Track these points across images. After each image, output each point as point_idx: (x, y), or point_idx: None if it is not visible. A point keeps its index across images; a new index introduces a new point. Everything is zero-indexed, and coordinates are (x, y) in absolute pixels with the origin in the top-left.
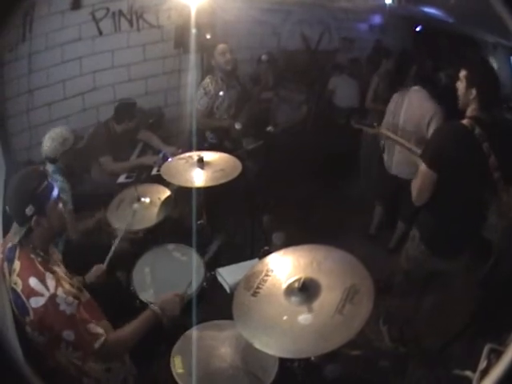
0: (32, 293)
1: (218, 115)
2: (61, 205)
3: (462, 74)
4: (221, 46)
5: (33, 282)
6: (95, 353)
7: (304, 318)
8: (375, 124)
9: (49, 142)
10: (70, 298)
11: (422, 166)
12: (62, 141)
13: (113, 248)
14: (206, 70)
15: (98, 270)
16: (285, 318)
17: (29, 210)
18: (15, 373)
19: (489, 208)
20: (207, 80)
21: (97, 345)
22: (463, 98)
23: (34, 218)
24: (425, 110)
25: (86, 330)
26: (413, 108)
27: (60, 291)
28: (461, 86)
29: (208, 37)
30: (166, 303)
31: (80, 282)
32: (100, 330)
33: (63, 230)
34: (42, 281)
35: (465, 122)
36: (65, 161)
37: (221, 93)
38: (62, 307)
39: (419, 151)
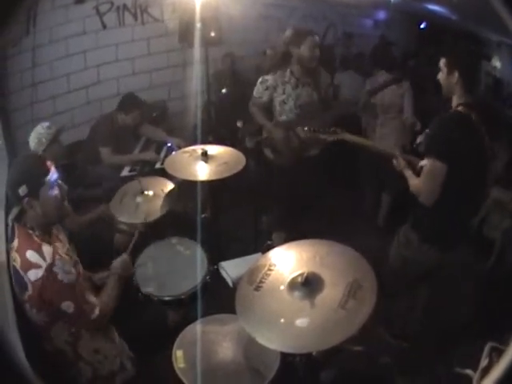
0: (30, 266)
1: (279, 112)
2: (57, 192)
3: (442, 62)
4: (312, 39)
5: (30, 254)
6: (91, 323)
7: (301, 321)
8: (334, 129)
9: (31, 143)
10: (68, 267)
11: (431, 162)
12: (37, 141)
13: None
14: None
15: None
16: (282, 320)
17: (22, 191)
18: (15, 373)
19: (486, 195)
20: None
21: (93, 315)
22: (446, 86)
23: (26, 199)
24: (397, 86)
25: (84, 300)
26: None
27: (58, 259)
28: (442, 74)
29: (212, 34)
30: (118, 263)
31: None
32: (94, 300)
33: (60, 219)
34: (39, 251)
35: (460, 109)
36: (51, 156)
37: (288, 88)
38: (60, 276)
39: (396, 152)
